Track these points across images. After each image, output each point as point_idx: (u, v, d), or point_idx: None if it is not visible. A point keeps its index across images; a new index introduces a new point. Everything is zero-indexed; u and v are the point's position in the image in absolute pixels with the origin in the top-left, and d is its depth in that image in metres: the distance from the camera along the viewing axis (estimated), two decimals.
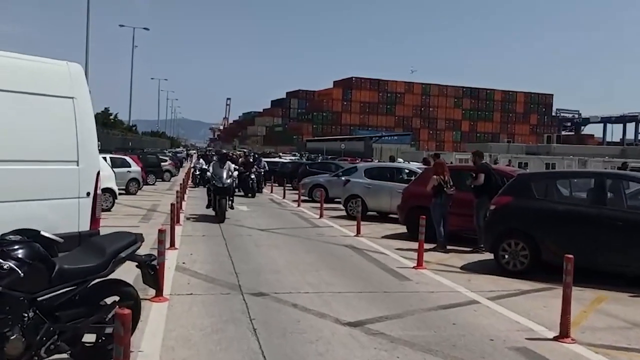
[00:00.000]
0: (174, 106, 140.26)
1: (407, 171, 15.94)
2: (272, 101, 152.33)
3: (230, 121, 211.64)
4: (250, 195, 22.13)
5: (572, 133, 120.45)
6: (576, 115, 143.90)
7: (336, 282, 7.68)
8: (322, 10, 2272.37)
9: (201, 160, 29.32)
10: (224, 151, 14.79)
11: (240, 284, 7.41)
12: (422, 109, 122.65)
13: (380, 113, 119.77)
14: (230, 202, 15.48)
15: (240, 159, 26.38)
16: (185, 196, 19.29)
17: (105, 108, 62.48)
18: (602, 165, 48.15)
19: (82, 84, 6.43)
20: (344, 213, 16.54)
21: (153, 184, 27.45)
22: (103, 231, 11.32)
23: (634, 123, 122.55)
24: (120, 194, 18.03)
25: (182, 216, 14.20)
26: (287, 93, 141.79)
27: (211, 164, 16.34)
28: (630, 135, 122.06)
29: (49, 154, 5.99)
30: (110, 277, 4.41)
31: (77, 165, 6.25)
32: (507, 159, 43.05)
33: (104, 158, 18.79)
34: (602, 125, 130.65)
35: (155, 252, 9.56)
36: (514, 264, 8.51)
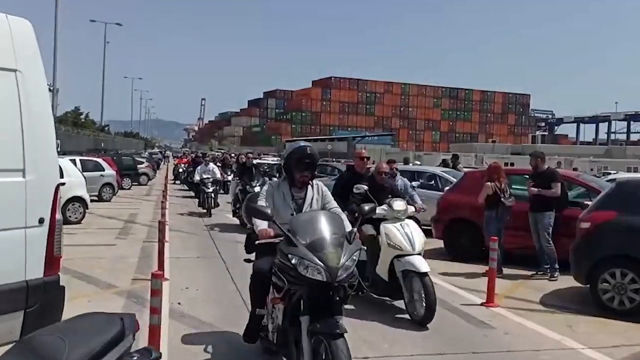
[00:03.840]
0: (148, 106, 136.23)
1: (427, 175, 13.83)
2: (249, 101, 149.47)
3: (206, 121, 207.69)
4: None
5: (546, 133, 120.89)
6: (550, 115, 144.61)
7: (399, 337, 5.50)
8: (300, 8, 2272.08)
9: (210, 165, 17.61)
10: (308, 149, 4.47)
11: None
12: (402, 109, 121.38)
13: (359, 113, 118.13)
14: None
15: None
16: (167, 203, 16.91)
17: (76, 107, 59.49)
18: (589, 165, 47.14)
19: (31, 51, 4.15)
20: None
21: (129, 189, 24.99)
22: (71, 255, 9.15)
23: (606, 123, 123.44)
24: (92, 200, 15.66)
25: (166, 228, 11.84)
26: (264, 93, 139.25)
27: (263, 189, 4.94)
28: (602, 135, 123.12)
29: None
30: None
31: (23, 177, 3.97)
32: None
33: (74, 161, 16.43)
34: (574, 125, 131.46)
35: (138, 285, 7.42)
36: (620, 300, 6.45)
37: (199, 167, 17.10)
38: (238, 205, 12.88)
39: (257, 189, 11.85)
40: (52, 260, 4.14)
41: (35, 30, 4.26)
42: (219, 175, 16.91)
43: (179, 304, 6.48)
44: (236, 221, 13.41)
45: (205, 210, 15.73)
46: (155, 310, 4.29)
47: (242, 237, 10.66)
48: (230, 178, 21.66)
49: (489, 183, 8.61)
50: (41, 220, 4.06)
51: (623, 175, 17.69)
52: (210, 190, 15.87)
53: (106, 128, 69.99)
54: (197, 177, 16.50)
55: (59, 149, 4.89)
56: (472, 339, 5.52)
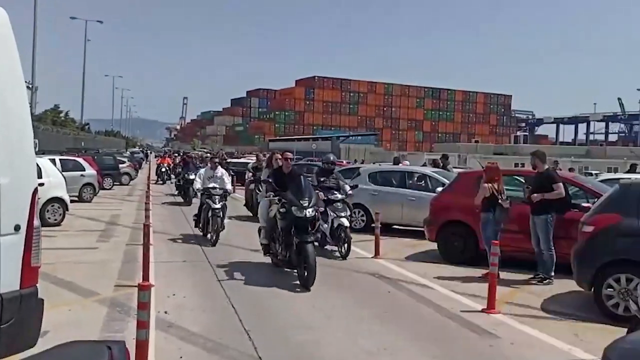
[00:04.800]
0: (129, 105, 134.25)
1: (418, 175, 13.58)
2: (232, 100, 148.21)
3: (188, 120, 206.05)
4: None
5: (527, 133, 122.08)
6: (530, 116, 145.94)
7: (403, 347, 5.22)
8: (283, 7, 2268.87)
9: (220, 171, 11.80)
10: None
11: (261, 357, 4.87)
12: (385, 109, 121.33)
13: (343, 113, 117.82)
14: None
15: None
16: (151, 204, 16.46)
17: (55, 105, 58.38)
18: (570, 165, 47.49)
19: (5, 42, 3.78)
20: None
21: (110, 189, 24.40)
22: (51, 259, 8.71)
23: (585, 124, 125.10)
24: (72, 201, 15.15)
25: (150, 230, 11.42)
26: (247, 92, 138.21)
27: None
28: (580, 136, 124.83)
29: None
30: None
31: None
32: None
33: (53, 160, 15.90)
34: (554, 125, 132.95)
35: (121, 292, 7.05)
36: (626, 307, 6.23)
37: (202, 171, 11.94)
38: (276, 235, 8.34)
39: (309, 211, 7.74)
40: (29, 271, 3.79)
41: (13, 23, 3.89)
42: (229, 186, 11.62)
43: (166, 312, 6.11)
44: (225, 221, 10.92)
45: (204, 233, 11.25)
46: (142, 325, 3.95)
47: (232, 240, 10.36)
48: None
49: (486, 184, 8.37)
50: (17, 227, 3.70)
51: (606, 176, 17.65)
52: (219, 206, 10.86)
53: (86, 127, 68.86)
54: (197, 185, 11.40)
55: (36, 149, 4.47)
56: (478, 350, 5.24)
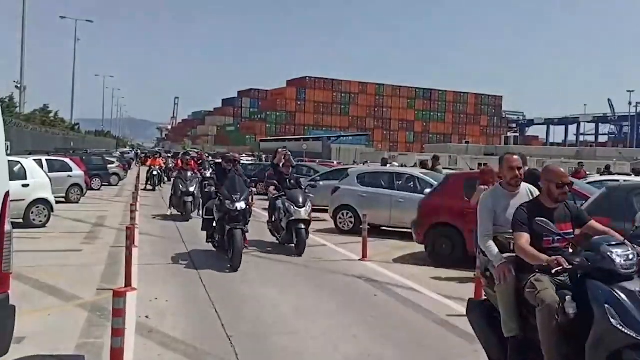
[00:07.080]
0: (120, 105, 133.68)
1: (406, 177, 13.53)
2: (223, 100, 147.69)
3: (179, 120, 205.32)
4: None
5: (517, 134, 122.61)
6: (521, 117, 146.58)
7: (387, 353, 5.14)
8: (273, 7, 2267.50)
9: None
10: None
11: None
12: (376, 109, 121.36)
13: (334, 113, 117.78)
14: None
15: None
16: (138, 205, 16.28)
17: (45, 105, 57.86)
18: (560, 167, 47.64)
19: None
20: (329, 225, 14.02)
21: (98, 189, 24.18)
22: (33, 262, 8.57)
23: (575, 125, 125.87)
24: (59, 202, 15.02)
25: (136, 232, 11.25)
26: (238, 92, 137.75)
27: None
28: (570, 137, 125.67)
29: None
30: None
31: None
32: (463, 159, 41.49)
33: (39, 161, 15.74)
34: (545, 126, 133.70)
35: (104, 296, 6.92)
36: None
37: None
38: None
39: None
40: (1, 278, 3.66)
41: (1, 23, 3.76)
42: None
43: (147, 317, 6.00)
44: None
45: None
46: (117, 332, 3.85)
47: None
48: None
49: (482, 187, 8.31)
50: None
51: (598, 178, 17.65)
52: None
53: (76, 127, 68.34)
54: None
55: (8, 151, 4.33)
56: (465, 355, 5.18)
